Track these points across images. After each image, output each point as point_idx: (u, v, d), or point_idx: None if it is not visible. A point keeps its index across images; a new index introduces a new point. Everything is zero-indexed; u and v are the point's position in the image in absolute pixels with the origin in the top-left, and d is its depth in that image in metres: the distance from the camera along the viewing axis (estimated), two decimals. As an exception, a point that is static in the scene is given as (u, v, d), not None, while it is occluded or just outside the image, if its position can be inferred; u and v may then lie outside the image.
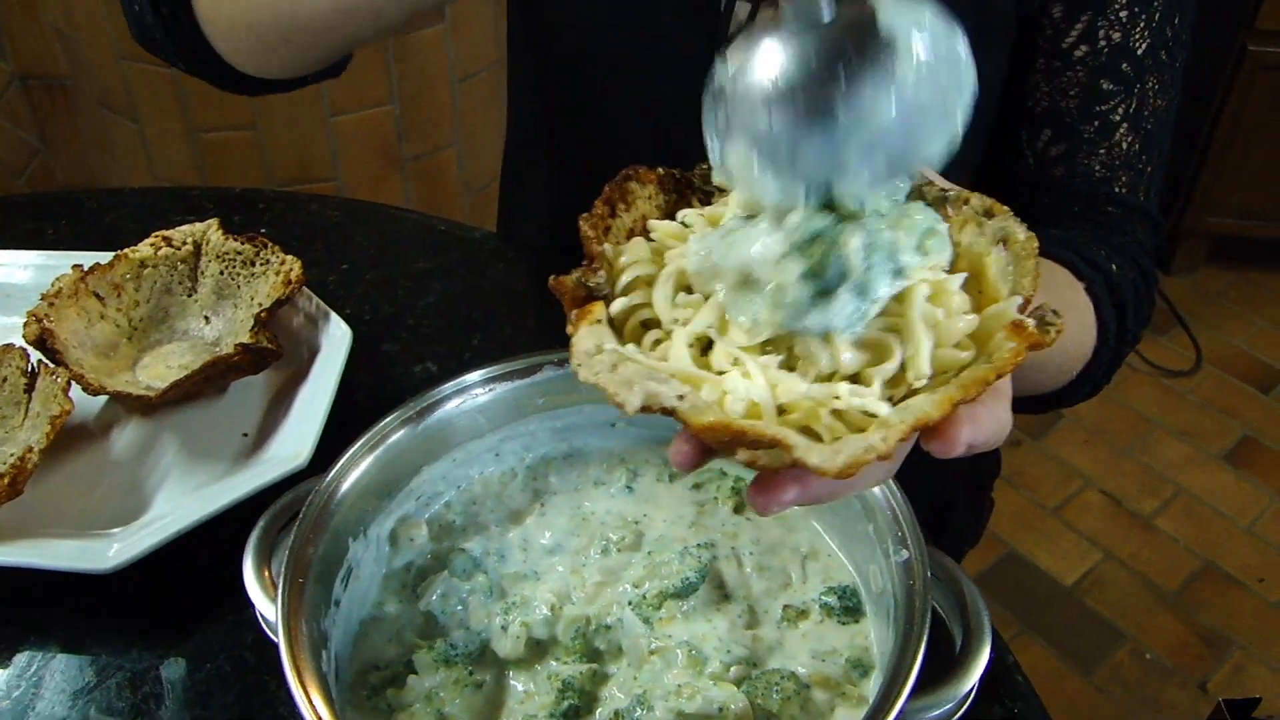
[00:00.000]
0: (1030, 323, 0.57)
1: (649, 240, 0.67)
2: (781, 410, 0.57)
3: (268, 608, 0.81)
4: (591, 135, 1.30)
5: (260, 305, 1.20)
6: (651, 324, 0.63)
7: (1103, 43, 1.10)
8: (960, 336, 0.59)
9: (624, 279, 0.64)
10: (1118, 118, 1.12)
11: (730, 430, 0.53)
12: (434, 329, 1.34)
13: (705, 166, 0.69)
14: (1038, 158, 1.16)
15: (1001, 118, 1.18)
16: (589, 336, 0.59)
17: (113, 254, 1.25)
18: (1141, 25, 1.09)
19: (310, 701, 0.72)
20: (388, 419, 0.92)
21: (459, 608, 0.91)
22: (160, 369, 1.21)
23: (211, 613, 1.01)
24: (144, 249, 1.26)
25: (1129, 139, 1.13)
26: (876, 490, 0.86)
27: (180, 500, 1.07)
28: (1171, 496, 2.93)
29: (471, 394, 0.95)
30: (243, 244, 1.25)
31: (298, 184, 2.76)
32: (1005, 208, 0.64)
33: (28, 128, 3.01)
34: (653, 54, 1.17)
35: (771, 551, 0.96)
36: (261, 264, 1.24)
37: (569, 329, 0.61)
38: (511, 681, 0.88)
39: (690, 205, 0.69)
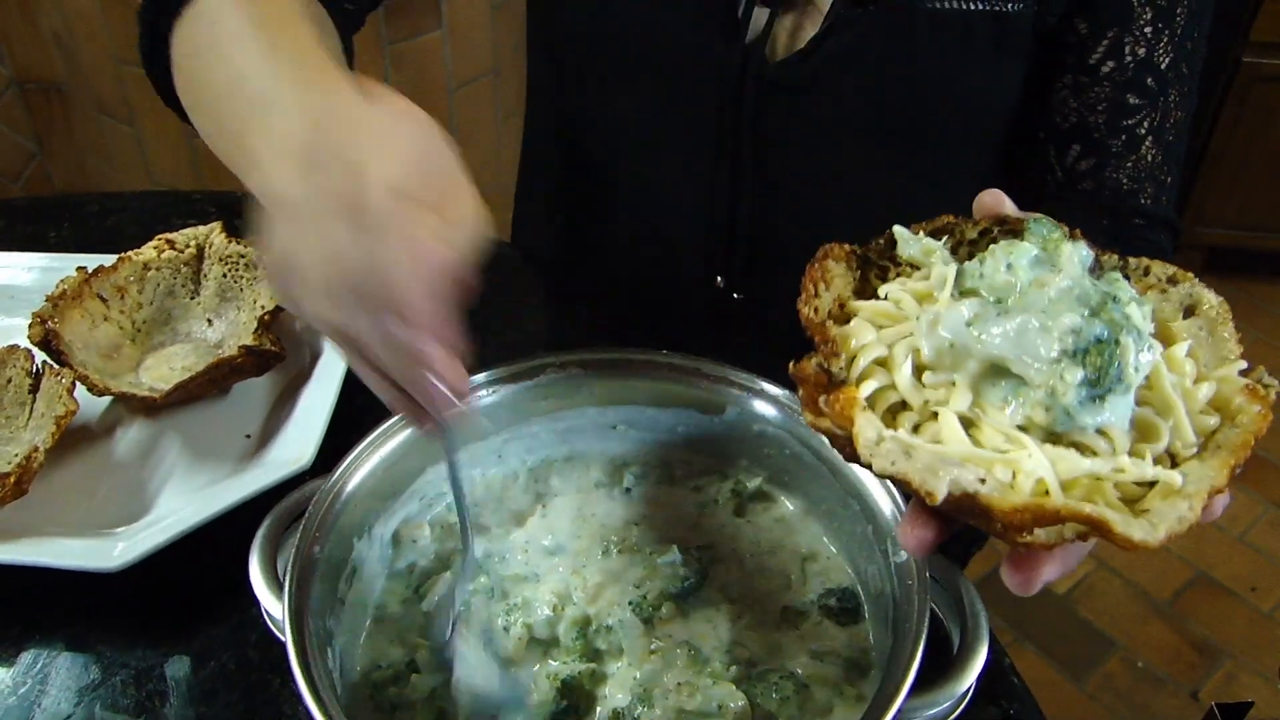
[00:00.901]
0: (1264, 389, 0.59)
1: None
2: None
3: (274, 605, 0.82)
4: (605, 140, 1.30)
5: (263, 308, 1.20)
6: (895, 405, 0.63)
7: (1129, 58, 1.11)
8: (1203, 403, 0.60)
9: (861, 362, 0.63)
10: (1143, 131, 1.14)
11: (1044, 512, 0.53)
12: (435, 333, 1.34)
13: (880, 241, 0.70)
14: (1066, 172, 1.17)
15: (1019, 130, 1.19)
16: (867, 425, 0.58)
17: (116, 256, 1.25)
18: (1165, 40, 1.11)
19: (318, 697, 0.72)
20: (393, 419, 0.92)
21: (461, 609, 0.92)
22: (163, 370, 1.22)
23: (215, 612, 1.02)
24: (147, 251, 1.26)
25: (1153, 151, 1.15)
26: (874, 492, 0.88)
27: (184, 500, 1.08)
28: (1164, 505, 2.93)
29: (475, 396, 0.96)
30: (246, 247, 1.26)
31: (296, 189, 2.76)
32: (1189, 274, 0.65)
33: (25, 132, 3.01)
34: (668, 61, 1.17)
35: (771, 553, 0.97)
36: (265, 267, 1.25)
37: (809, 415, 0.61)
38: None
39: (870, 279, 0.70)
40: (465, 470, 0.99)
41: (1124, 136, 1.14)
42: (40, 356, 1.15)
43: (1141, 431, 0.60)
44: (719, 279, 1.29)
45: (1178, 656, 2.59)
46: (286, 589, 0.79)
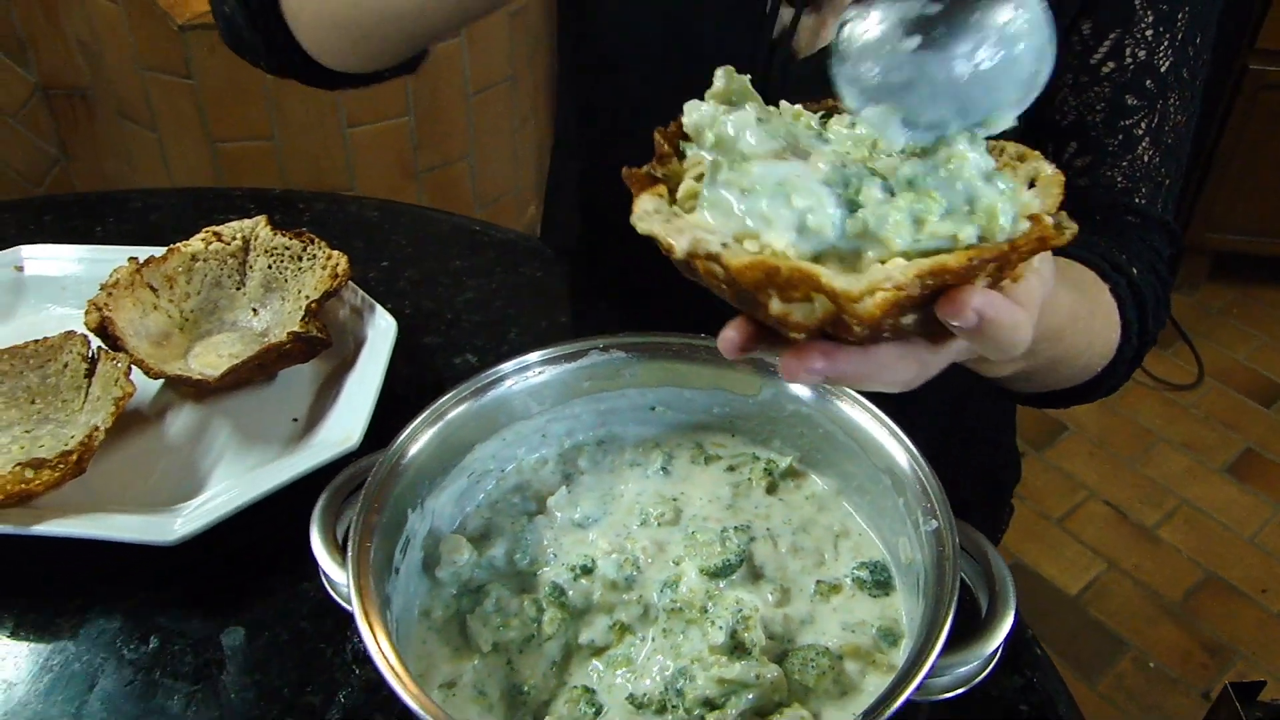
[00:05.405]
0: (1048, 218, 0.63)
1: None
2: None
3: (335, 571, 0.85)
4: (630, 139, 1.33)
5: (308, 298, 1.25)
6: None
7: (1129, 60, 1.14)
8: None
9: (688, 175, 0.70)
10: (1140, 132, 1.17)
11: (764, 268, 0.58)
12: (472, 323, 1.39)
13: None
14: (1062, 168, 1.20)
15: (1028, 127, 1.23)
16: (649, 200, 0.66)
17: (166, 248, 1.30)
18: (1166, 44, 1.14)
19: (381, 649, 0.76)
20: (448, 395, 0.97)
21: (494, 604, 0.94)
22: (211, 358, 1.26)
23: (267, 586, 1.06)
24: (195, 243, 1.31)
25: (1150, 152, 1.18)
26: (905, 465, 0.91)
27: (235, 480, 1.12)
28: (1175, 508, 2.96)
29: (526, 375, 1.00)
30: (290, 239, 1.30)
31: (314, 193, 2.80)
32: (1036, 152, 0.71)
33: (48, 138, 3.05)
34: (694, 57, 1.21)
35: (804, 531, 1.00)
36: (309, 259, 1.29)
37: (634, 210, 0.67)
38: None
39: None
40: (511, 449, 1.03)
41: (1120, 136, 1.17)
42: (95, 342, 1.19)
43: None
44: None
45: (1189, 657, 2.61)
46: (350, 552, 0.83)
